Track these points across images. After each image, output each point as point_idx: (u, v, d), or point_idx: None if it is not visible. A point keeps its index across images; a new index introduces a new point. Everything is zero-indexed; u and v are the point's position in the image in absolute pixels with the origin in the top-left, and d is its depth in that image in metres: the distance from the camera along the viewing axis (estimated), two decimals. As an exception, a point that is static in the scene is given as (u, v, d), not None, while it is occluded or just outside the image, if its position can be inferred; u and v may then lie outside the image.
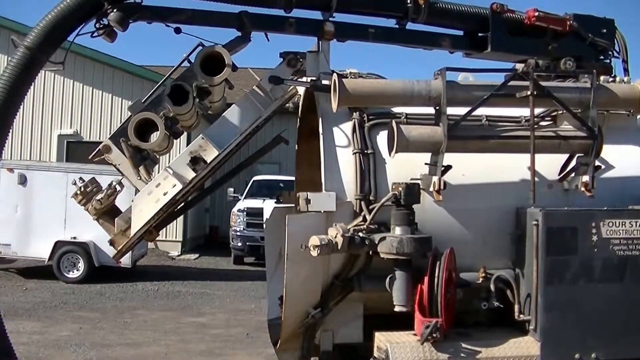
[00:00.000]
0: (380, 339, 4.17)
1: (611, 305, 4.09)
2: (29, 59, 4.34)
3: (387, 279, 4.13)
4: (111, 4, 4.42)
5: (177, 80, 4.60)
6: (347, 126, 4.54)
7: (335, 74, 4.32)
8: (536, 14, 4.95)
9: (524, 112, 4.50)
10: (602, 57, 5.15)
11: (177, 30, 4.67)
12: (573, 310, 4.06)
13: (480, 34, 5.08)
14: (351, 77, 4.46)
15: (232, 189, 20.43)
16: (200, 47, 4.64)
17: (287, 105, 5.22)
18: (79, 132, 20.78)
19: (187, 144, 5.15)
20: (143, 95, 4.85)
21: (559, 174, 4.56)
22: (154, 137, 4.68)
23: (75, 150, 20.12)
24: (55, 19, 4.35)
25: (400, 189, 4.06)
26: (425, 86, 4.23)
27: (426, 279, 4.02)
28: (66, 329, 10.79)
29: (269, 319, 5.78)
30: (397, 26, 5.05)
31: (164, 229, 5.42)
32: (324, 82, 4.60)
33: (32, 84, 4.56)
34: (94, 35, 4.57)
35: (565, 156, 4.53)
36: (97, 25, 4.54)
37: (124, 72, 20.67)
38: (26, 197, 15.07)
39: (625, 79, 4.85)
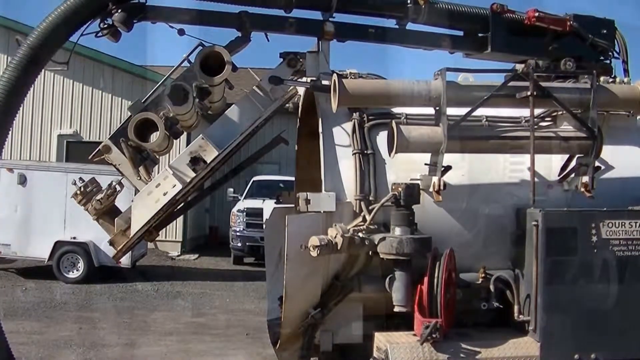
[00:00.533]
0: (380, 339, 4.17)
1: (611, 305, 4.09)
2: (31, 57, 4.33)
3: (387, 280, 4.13)
4: (116, 4, 4.41)
5: (177, 80, 4.61)
6: (347, 126, 4.54)
7: (335, 74, 4.32)
8: (536, 14, 4.94)
9: (524, 112, 4.51)
10: (602, 58, 5.15)
11: (181, 32, 4.67)
12: (573, 310, 4.06)
13: (480, 35, 5.08)
14: (351, 78, 4.46)
15: (232, 189, 20.41)
16: (200, 47, 4.65)
17: (287, 105, 5.22)
18: (78, 132, 20.77)
19: (187, 144, 5.15)
20: (143, 95, 4.85)
21: (559, 175, 4.56)
22: (154, 137, 4.69)
23: (75, 150, 20.11)
24: (59, 18, 4.34)
25: (400, 189, 4.06)
26: (425, 86, 4.23)
27: (426, 279, 4.02)
28: (66, 329, 10.79)
29: (268, 319, 5.78)
30: (397, 26, 5.05)
31: (164, 229, 5.42)
32: (324, 82, 4.60)
33: (34, 82, 4.55)
34: (98, 35, 4.57)
35: (566, 157, 4.53)
36: (102, 25, 4.54)
37: (124, 72, 20.67)
38: (26, 197, 15.05)
39: (626, 79, 4.85)
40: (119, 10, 4.42)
